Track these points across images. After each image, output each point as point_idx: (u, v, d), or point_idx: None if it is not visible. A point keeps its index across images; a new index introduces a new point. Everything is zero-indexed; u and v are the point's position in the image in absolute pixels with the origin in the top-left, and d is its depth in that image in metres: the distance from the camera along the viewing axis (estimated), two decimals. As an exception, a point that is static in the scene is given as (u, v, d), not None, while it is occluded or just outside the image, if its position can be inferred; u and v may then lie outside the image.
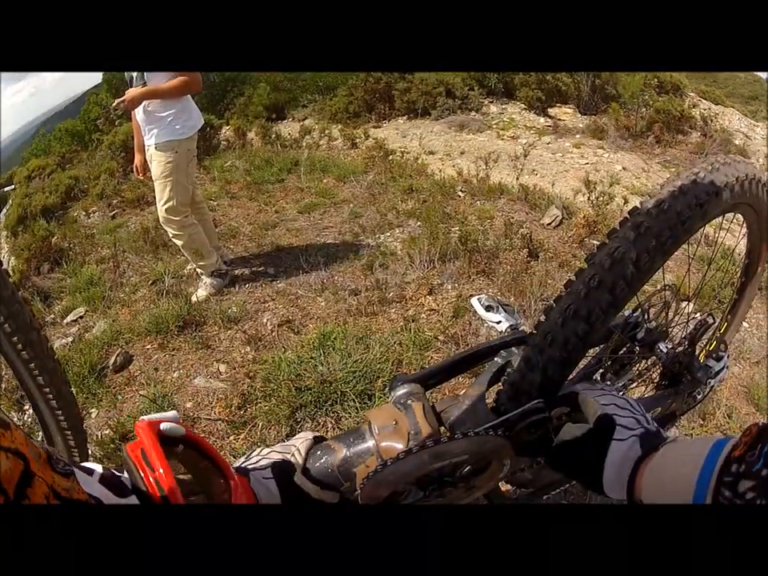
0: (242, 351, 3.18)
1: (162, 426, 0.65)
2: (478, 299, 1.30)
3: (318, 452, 0.90)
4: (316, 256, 4.33)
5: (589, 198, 5.46)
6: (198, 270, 4.00)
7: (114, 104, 3.53)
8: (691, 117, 11.45)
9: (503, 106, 13.00)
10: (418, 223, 4.84)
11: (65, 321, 3.93)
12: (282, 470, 0.83)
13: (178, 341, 3.36)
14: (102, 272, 4.62)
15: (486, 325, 3.12)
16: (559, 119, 12.60)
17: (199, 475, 0.67)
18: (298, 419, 2.54)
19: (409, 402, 0.94)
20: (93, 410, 2.95)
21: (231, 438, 2.57)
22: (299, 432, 0.95)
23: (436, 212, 4.90)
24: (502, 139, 10.72)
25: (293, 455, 0.86)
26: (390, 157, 7.39)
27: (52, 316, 4.05)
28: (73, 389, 1.80)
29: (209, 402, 2.81)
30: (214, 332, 3.44)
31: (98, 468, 0.60)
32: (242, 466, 0.85)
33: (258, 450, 0.90)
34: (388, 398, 1.01)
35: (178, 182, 3.57)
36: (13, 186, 10.12)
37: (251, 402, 2.71)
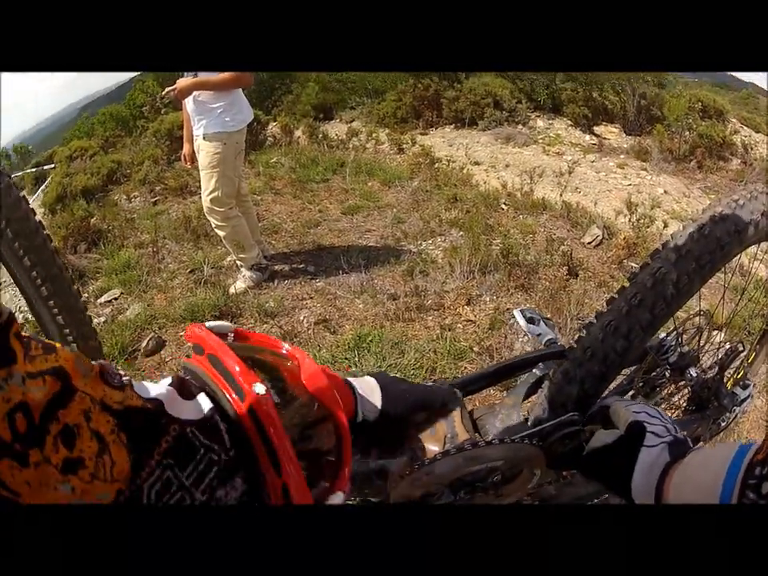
0: (278, 346, 3.10)
1: (207, 324, 0.61)
2: (521, 311, 1.30)
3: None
4: (357, 258, 4.28)
5: (630, 220, 5.42)
6: (238, 263, 3.99)
7: (164, 92, 3.58)
8: (732, 143, 11.36)
9: (550, 122, 12.97)
10: (461, 233, 4.80)
11: (98, 301, 3.93)
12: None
13: (212, 331, 3.29)
14: (140, 256, 4.63)
15: (520, 339, 3.16)
16: (604, 138, 12.54)
17: (252, 359, 0.59)
18: None
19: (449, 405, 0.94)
20: None
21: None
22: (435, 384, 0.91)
23: (479, 223, 4.86)
24: (548, 154, 10.68)
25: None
26: (436, 165, 7.38)
27: (86, 295, 4.03)
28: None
29: None
30: (249, 324, 3.41)
31: (168, 379, 0.54)
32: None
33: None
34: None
35: (224, 173, 3.58)
36: (53, 165, 10.29)
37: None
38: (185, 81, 3.38)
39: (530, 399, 1.13)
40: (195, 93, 3.43)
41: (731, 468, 0.63)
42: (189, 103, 3.54)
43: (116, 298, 3.93)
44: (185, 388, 0.52)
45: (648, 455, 0.81)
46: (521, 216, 5.46)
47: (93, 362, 0.46)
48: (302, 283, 3.94)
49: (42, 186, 9.57)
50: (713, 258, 1.02)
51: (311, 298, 3.74)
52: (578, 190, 8.29)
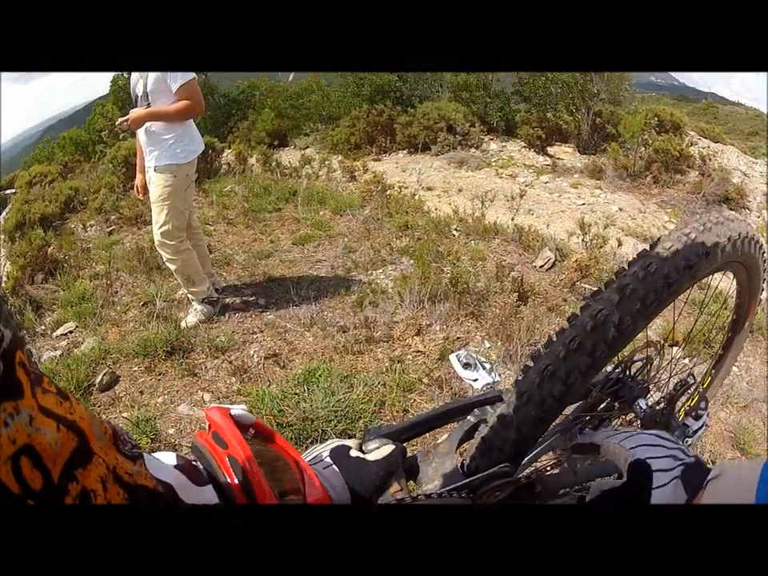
0: (228, 381, 3.28)
1: (233, 411, 0.64)
2: (456, 355, 1.26)
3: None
4: (307, 289, 4.43)
5: (583, 240, 5.56)
6: (190, 296, 4.07)
7: (118, 122, 3.66)
8: (690, 156, 11.59)
9: (503, 144, 13.20)
10: (411, 261, 4.92)
11: (55, 333, 4.02)
12: (341, 455, 0.81)
13: (165, 365, 3.46)
14: (95, 288, 4.73)
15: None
16: (558, 158, 12.77)
17: (269, 466, 0.63)
18: None
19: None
20: None
21: None
22: (367, 434, 0.95)
23: (429, 251, 4.98)
24: (501, 177, 10.84)
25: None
26: (388, 191, 7.54)
27: (42, 327, 4.15)
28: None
29: (191, 429, 2.91)
30: (201, 360, 3.52)
31: (172, 455, 0.58)
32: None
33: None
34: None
35: (174, 206, 3.68)
36: (14, 190, 10.30)
37: (233, 435, 2.80)
38: (138, 111, 3.47)
39: (466, 444, 1.11)
40: (148, 123, 3.52)
41: (759, 490, 0.57)
42: (141, 134, 3.63)
43: (71, 331, 4.02)
44: (195, 474, 0.55)
45: (661, 497, 0.72)
46: (472, 242, 5.63)
47: (105, 424, 0.47)
48: (253, 316, 4.06)
49: (4, 212, 9.58)
50: (659, 297, 0.98)
51: (261, 331, 3.85)
52: (532, 213, 8.47)
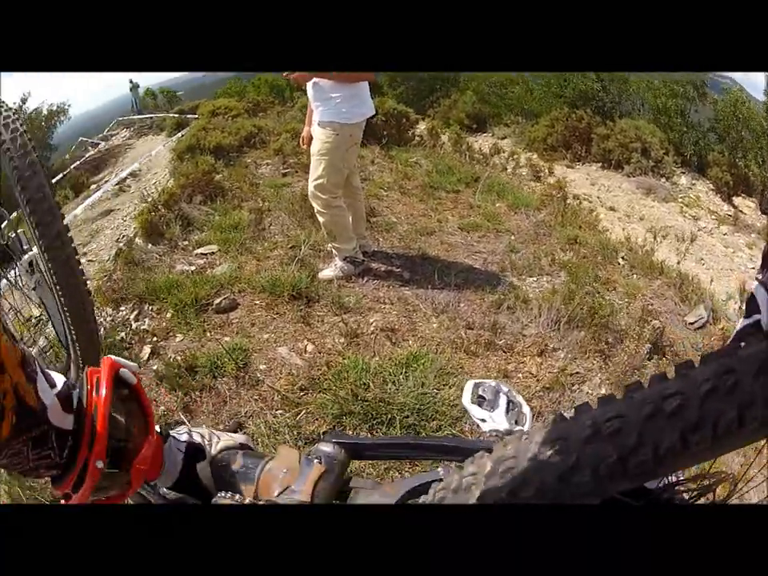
0: (336, 341, 3.29)
1: (122, 370, 0.78)
2: (476, 383, 1.07)
3: (226, 455, 0.91)
4: (454, 276, 4.33)
5: (740, 308, 4.98)
6: (333, 251, 4.15)
7: (285, 73, 3.79)
8: None
9: (693, 181, 12.38)
10: (567, 278, 4.70)
11: (195, 251, 4.26)
12: (195, 451, 0.91)
13: (285, 307, 3.56)
14: (250, 222, 4.96)
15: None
16: (741, 211, 11.78)
17: (128, 421, 0.79)
18: (342, 423, 2.60)
19: (315, 461, 0.88)
20: (179, 335, 3.27)
21: (278, 411, 2.70)
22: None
23: (588, 273, 4.74)
24: (683, 216, 10.22)
25: (212, 445, 0.92)
26: (568, 200, 7.28)
27: (185, 243, 4.40)
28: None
29: (280, 372, 2.96)
30: (320, 313, 3.59)
31: (60, 381, 0.72)
32: (172, 430, 0.94)
33: (203, 427, 0.98)
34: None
35: (332, 162, 3.73)
36: (196, 116, 11.15)
37: (314, 389, 2.82)
38: None
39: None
40: (316, 79, 3.59)
41: None
42: (309, 89, 3.71)
43: (212, 253, 4.26)
44: (66, 402, 0.71)
45: None
46: (634, 275, 5.29)
47: (19, 349, 0.63)
48: (389, 287, 4.05)
49: (180, 134, 10.38)
50: None
51: (391, 303, 3.83)
52: (702, 262, 7.89)
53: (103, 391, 0.72)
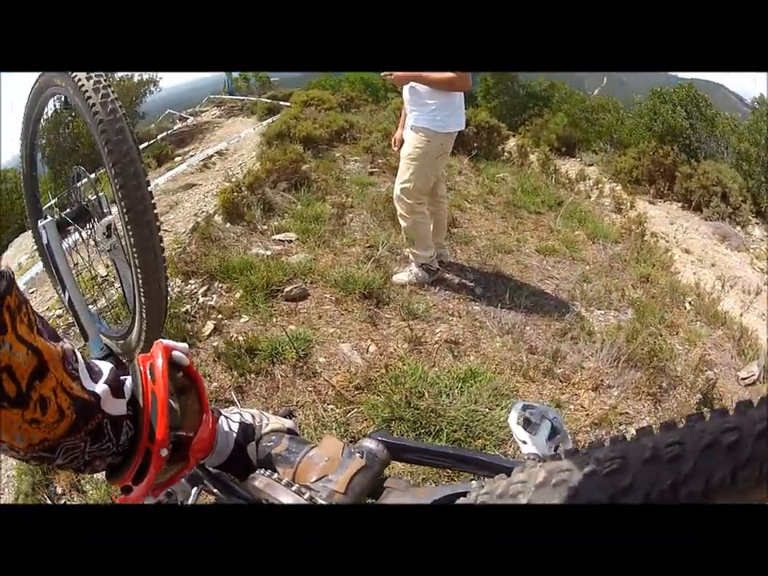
0: (399, 345, 3.32)
1: (174, 352, 0.80)
2: (525, 405, 1.07)
3: (274, 437, 0.95)
4: (525, 298, 4.29)
5: None
6: (410, 256, 4.18)
7: (384, 73, 3.82)
8: None
9: (765, 233, 11.88)
10: (634, 316, 4.62)
11: (273, 236, 4.35)
12: (246, 432, 0.93)
13: (354, 305, 3.61)
14: (332, 216, 5.05)
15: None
16: None
17: (183, 404, 0.81)
18: (391, 428, 2.63)
19: (357, 455, 0.89)
20: (245, 316, 3.37)
21: (330, 406, 2.76)
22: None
23: (654, 314, 4.66)
24: (752, 267, 9.85)
25: (262, 426, 0.96)
26: (645, 237, 7.14)
27: (264, 227, 4.50)
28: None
29: (338, 368, 3.02)
30: (389, 315, 3.62)
31: (107, 368, 0.74)
32: (224, 410, 0.97)
33: (255, 409, 1.01)
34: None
35: (421, 168, 3.76)
36: (289, 104, 11.37)
37: (369, 390, 2.86)
38: None
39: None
40: (413, 83, 3.62)
41: None
42: (406, 92, 3.74)
43: (290, 241, 4.35)
44: (117, 388, 0.73)
45: None
46: (698, 322, 5.16)
47: (59, 348, 0.65)
48: (460, 300, 4.06)
49: (270, 119, 10.58)
50: None
51: (459, 317, 3.84)
52: (763, 317, 7.66)
53: (160, 379, 0.74)
